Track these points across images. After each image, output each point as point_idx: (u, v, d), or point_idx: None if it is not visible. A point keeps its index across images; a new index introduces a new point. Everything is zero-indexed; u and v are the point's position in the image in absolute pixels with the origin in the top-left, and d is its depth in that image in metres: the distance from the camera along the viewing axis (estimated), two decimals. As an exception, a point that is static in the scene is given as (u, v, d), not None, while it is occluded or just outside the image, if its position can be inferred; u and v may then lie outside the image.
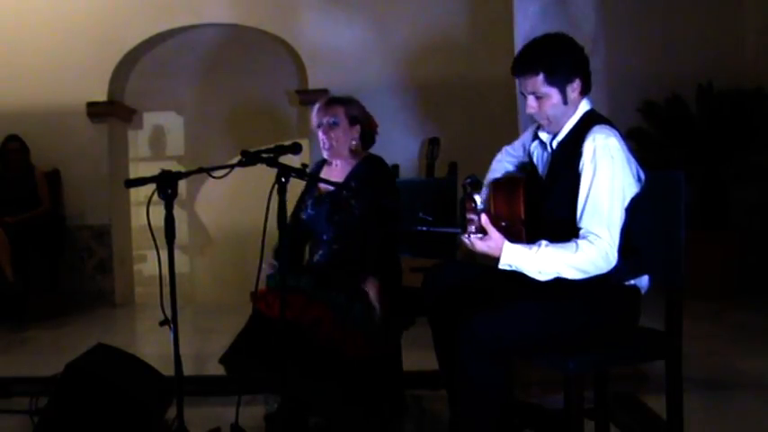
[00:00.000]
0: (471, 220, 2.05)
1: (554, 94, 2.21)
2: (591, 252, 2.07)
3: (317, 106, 2.90)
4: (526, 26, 3.62)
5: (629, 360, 2.46)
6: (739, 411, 3.10)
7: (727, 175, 5.40)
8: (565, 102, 2.22)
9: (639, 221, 2.19)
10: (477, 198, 2.06)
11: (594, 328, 2.15)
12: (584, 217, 2.11)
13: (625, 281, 2.22)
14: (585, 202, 2.11)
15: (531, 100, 2.24)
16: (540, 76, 2.19)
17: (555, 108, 2.22)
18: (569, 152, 2.20)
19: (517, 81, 2.28)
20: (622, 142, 2.16)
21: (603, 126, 2.17)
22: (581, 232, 2.11)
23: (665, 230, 2.29)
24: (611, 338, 2.20)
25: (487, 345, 2.06)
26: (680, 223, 2.27)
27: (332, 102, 2.89)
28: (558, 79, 2.20)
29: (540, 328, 2.12)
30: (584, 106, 2.27)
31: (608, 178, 2.10)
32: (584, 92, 2.26)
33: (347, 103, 2.89)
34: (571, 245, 2.08)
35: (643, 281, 2.26)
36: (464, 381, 2.10)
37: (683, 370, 2.26)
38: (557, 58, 2.20)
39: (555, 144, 2.29)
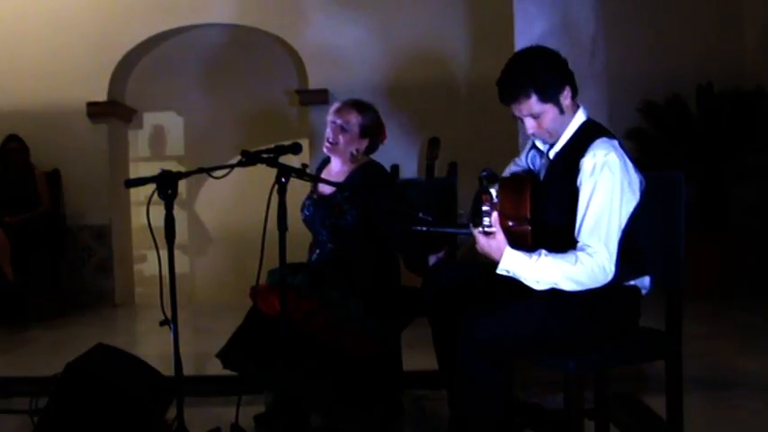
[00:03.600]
0: (486, 213, 2.06)
1: (550, 110, 2.20)
2: (590, 265, 2.06)
3: (336, 104, 2.91)
4: (526, 26, 3.62)
5: (629, 360, 2.46)
6: (739, 411, 3.10)
7: (727, 175, 5.40)
8: (562, 112, 2.21)
9: (640, 222, 2.19)
10: (493, 191, 2.06)
11: (595, 328, 2.15)
12: (582, 232, 2.11)
13: (626, 282, 2.21)
14: (584, 217, 2.11)
15: (528, 121, 2.23)
16: (533, 98, 2.17)
17: (554, 121, 2.22)
18: (567, 164, 2.18)
19: (510, 107, 2.24)
20: (622, 155, 2.15)
21: (603, 140, 2.15)
22: (579, 245, 2.11)
23: (665, 230, 2.29)
24: (612, 339, 2.20)
25: (488, 344, 2.06)
26: (680, 223, 2.27)
27: (352, 107, 2.87)
28: (551, 94, 2.18)
29: (540, 328, 2.12)
30: (581, 116, 2.25)
31: (607, 195, 2.09)
32: (574, 95, 2.24)
33: (365, 113, 2.87)
34: (570, 256, 2.08)
35: (644, 281, 2.26)
36: (464, 380, 2.11)
37: (683, 370, 2.27)
38: (543, 73, 2.17)
39: (552, 154, 2.28)
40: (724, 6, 5.93)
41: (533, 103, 2.18)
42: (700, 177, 5.30)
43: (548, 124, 2.22)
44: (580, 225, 2.12)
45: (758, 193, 5.53)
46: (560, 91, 2.19)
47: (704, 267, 4.90)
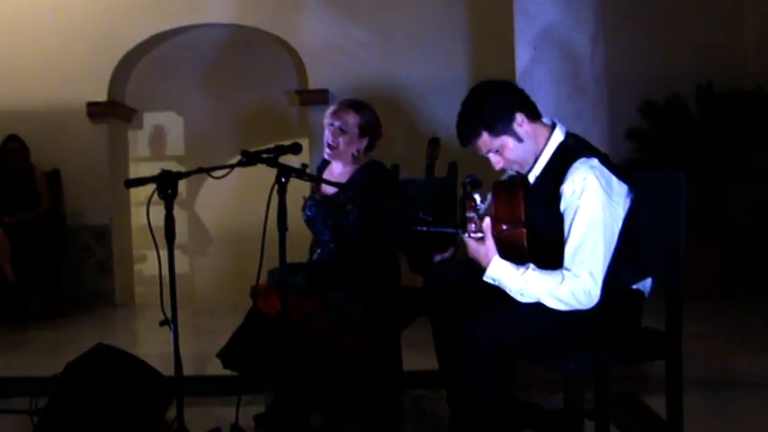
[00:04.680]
0: (471, 219, 2.06)
1: (507, 141, 2.19)
2: (577, 287, 2.05)
3: (332, 107, 2.89)
4: (526, 26, 3.61)
5: (629, 360, 2.46)
6: (739, 411, 3.10)
7: (727, 175, 5.40)
8: (520, 140, 2.19)
9: (640, 222, 2.19)
10: (477, 197, 2.06)
11: (595, 331, 2.14)
12: (566, 258, 2.09)
13: (630, 285, 2.21)
14: (567, 245, 2.09)
15: (492, 157, 2.23)
16: (484, 135, 2.18)
17: (516, 151, 2.20)
18: (548, 190, 2.16)
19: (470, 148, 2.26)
20: (602, 172, 2.10)
21: (582, 161, 2.11)
22: (565, 267, 2.09)
23: (665, 231, 2.29)
24: (612, 340, 2.20)
25: (488, 345, 2.06)
26: (680, 223, 2.27)
27: (348, 108, 2.86)
28: (501, 127, 2.18)
29: (540, 329, 2.12)
30: (558, 136, 2.22)
31: (589, 221, 2.07)
32: (533, 117, 2.22)
33: (362, 112, 2.86)
34: (558, 275, 2.07)
35: (646, 284, 2.25)
36: (464, 380, 2.11)
37: (683, 370, 2.27)
38: (488, 110, 2.17)
39: (532, 178, 2.24)
40: (724, 6, 5.93)
41: (487, 140, 2.19)
42: (700, 177, 5.30)
43: (510, 155, 2.21)
44: (565, 250, 2.10)
45: (758, 193, 5.53)
46: (510, 120, 2.18)
47: (704, 267, 4.91)
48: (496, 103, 2.19)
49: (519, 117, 2.18)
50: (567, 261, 2.09)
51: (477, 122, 2.18)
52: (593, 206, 2.07)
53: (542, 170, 2.22)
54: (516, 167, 2.26)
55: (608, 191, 2.09)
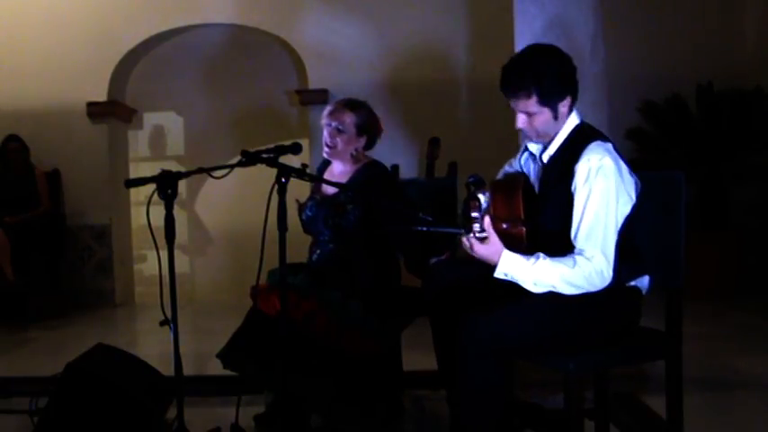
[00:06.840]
0: (475, 219, 2.06)
1: (546, 112, 2.20)
2: (588, 269, 2.06)
3: (329, 108, 2.91)
4: (526, 26, 3.62)
5: (630, 360, 2.46)
6: (739, 411, 3.10)
7: (727, 175, 5.40)
8: (555, 118, 2.21)
9: (638, 222, 2.19)
10: (481, 197, 2.06)
11: (595, 329, 2.15)
12: (578, 238, 2.11)
13: (627, 282, 2.21)
14: (580, 223, 2.10)
15: (520, 116, 2.22)
16: (534, 98, 2.17)
17: (545, 124, 2.22)
18: (561, 169, 2.18)
19: (508, 98, 2.23)
20: (617, 158, 2.14)
21: (598, 144, 2.14)
22: (576, 250, 2.10)
23: (665, 230, 2.29)
24: (612, 339, 2.20)
25: (488, 344, 2.06)
26: (680, 223, 2.27)
27: (344, 108, 2.87)
28: (552, 100, 2.18)
29: (540, 328, 2.12)
30: (574, 119, 2.25)
31: (603, 201, 2.08)
32: (573, 104, 2.24)
33: (359, 111, 2.88)
34: (569, 260, 2.08)
35: (644, 281, 2.26)
36: (464, 380, 2.11)
37: (683, 370, 2.27)
38: (549, 77, 2.16)
39: (546, 158, 2.27)
40: (724, 6, 5.93)
41: (532, 103, 2.18)
42: (700, 177, 5.30)
43: (538, 126, 2.22)
44: (576, 231, 2.11)
45: (758, 193, 5.53)
46: (561, 98, 2.19)
47: (704, 267, 4.90)
48: (561, 75, 2.19)
49: (567, 99, 2.20)
50: (579, 242, 2.10)
51: (535, 84, 2.15)
52: (608, 186, 2.09)
53: (557, 149, 2.24)
54: (533, 135, 2.27)
55: (621, 176, 2.13)
